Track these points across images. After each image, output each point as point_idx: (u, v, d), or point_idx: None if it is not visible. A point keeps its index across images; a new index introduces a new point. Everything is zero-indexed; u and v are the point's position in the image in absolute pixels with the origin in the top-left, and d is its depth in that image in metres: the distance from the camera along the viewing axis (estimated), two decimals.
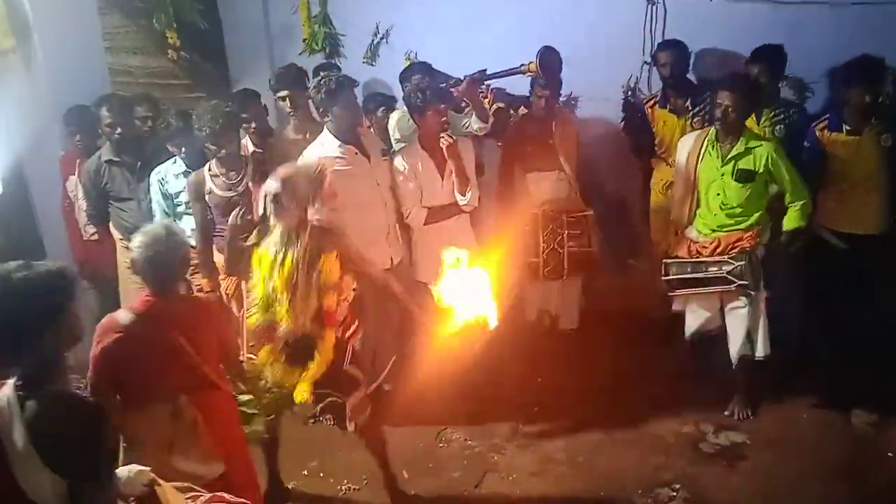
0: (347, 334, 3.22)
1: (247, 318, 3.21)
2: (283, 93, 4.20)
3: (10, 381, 1.91)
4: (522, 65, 3.96)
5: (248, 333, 3.33)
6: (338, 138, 3.73)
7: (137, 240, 2.67)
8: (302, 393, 3.05)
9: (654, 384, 4.20)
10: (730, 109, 3.64)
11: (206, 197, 3.76)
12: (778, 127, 4.03)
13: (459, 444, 3.90)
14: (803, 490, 3.41)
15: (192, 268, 4.03)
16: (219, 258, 3.90)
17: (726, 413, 3.95)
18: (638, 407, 4.05)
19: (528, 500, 3.51)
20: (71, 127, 4.38)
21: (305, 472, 3.76)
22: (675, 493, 3.44)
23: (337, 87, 3.65)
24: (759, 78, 4.00)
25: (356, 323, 3.29)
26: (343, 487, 3.65)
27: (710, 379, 4.06)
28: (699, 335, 3.98)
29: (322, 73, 3.88)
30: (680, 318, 4.02)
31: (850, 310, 3.91)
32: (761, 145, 3.71)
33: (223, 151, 3.66)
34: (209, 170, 3.77)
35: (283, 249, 2.99)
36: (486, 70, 4.02)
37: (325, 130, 3.79)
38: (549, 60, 3.99)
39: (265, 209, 3.02)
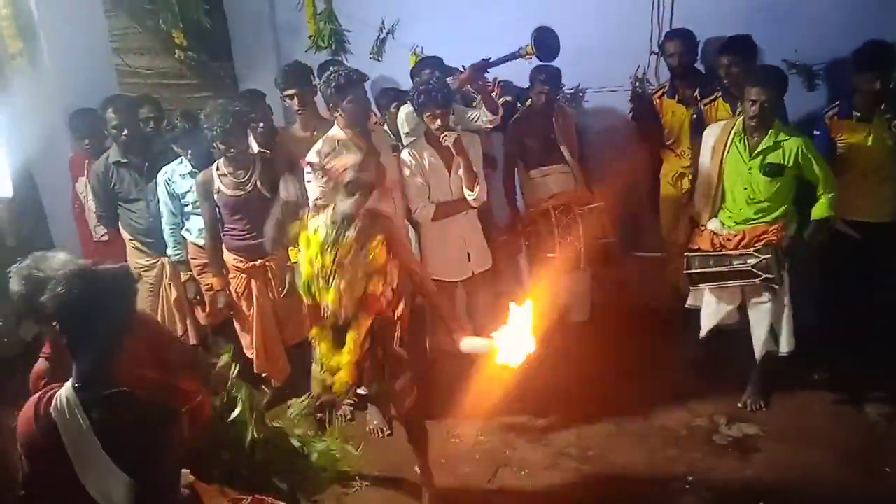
0: (396, 315, 3.24)
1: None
2: (291, 91, 4.18)
3: (68, 383, 1.92)
4: (521, 48, 3.94)
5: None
6: (349, 131, 3.72)
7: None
8: (341, 380, 3.11)
9: (665, 376, 4.18)
10: (764, 104, 3.56)
11: (215, 196, 3.78)
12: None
13: (472, 439, 3.90)
14: (817, 482, 3.39)
15: (199, 267, 4.08)
16: (228, 257, 3.92)
17: (739, 405, 3.93)
18: (650, 399, 4.03)
19: (541, 495, 3.50)
20: (76, 131, 4.40)
21: None
22: (688, 486, 3.43)
23: (347, 81, 3.63)
24: (732, 68, 3.98)
25: (402, 304, 3.29)
26: (356, 485, 3.65)
27: (722, 371, 4.04)
28: (716, 331, 3.91)
29: (332, 68, 3.86)
30: (691, 310, 3.98)
31: (862, 299, 3.86)
32: (790, 139, 3.64)
33: (232, 151, 3.67)
34: (217, 169, 3.78)
35: (335, 232, 3.03)
36: (489, 59, 4.00)
37: (335, 125, 3.79)
38: (544, 39, 3.97)
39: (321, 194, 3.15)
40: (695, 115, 4.23)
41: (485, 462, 3.73)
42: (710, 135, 3.88)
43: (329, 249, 3.02)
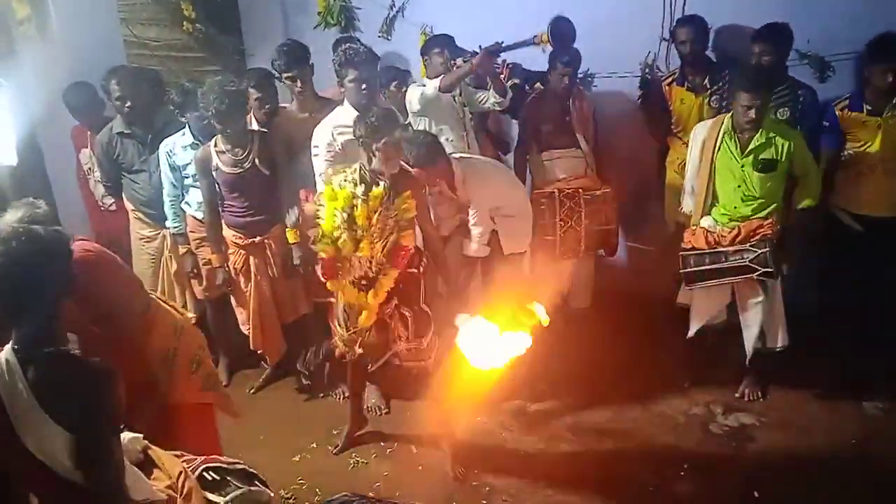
0: (420, 271, 3.39)
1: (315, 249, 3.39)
2: (293, 72, 4.06)
3: (8, 346, 1.93)
4: (535, 36, 3.90)
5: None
6: (356, 109, 3.71)
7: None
8: (368, 317, 3.30)
9: (663, 364, 4.18)
10: (751, 110, 3.54)
11: (214, 173, 3.77)
12: (781, 109, 3.91)
13: (469, 421, 3.90)
14: (813, 472, 3.39)
15: (198, 241, 4.08)
16: (227, 233, 3.91)
17: (736, 395, 3.93)
18: (647, 387, 4.03)
19: (535, 478, 3.50)
20: (71, 107, 4.35)
21: (314, 445, 3.78)
22: (683, 473, 3.44)
23: (359, 58, 3.68)
24: (763, 57, 3.90)
25: (425, 261, 3.44)
26: (351, 461, 3.67)
27: (720, 360, 4.03)
28: (705, 330, 3.91)
29: (345, 44, 3.87)
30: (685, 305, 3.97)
31: (866, 293, 3.84)
32: (782, 135, 3.63)
33: (228, 130, 3.66)
34: (215, 146, 3.76)
35: (367, 186, 3.19)
36: (501, 42, 3.97)
37: (345, 100, 3.81)
38: (561, 30, 3.92)
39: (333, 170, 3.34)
40: (714, 100, 4.18)
41: (481, 443, 3.73)
42: (699, 134, 3.86)
43: (360, 203, 3.17)
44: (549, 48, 4.09)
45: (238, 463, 2.46)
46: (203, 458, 2.40)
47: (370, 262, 3.24)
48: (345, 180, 3.24)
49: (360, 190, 3.19)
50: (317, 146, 3.79)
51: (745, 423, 3.76)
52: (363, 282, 3.30)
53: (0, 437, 1.90)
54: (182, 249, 4.13)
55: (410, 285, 3.37)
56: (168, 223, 4.09)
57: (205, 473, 2.33)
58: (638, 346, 4.33)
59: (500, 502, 3.36)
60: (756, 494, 3.27)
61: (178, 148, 3.97)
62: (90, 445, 1.89)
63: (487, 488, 3.43)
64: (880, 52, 3.65)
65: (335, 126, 3.76)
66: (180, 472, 2.21)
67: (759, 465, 3.48)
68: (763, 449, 3.58)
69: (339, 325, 3.44)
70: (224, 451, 2.85)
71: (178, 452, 2.34)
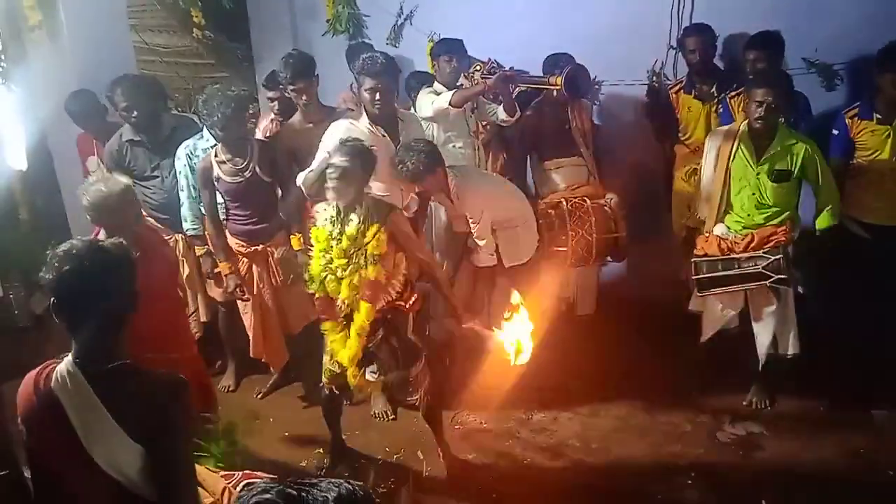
0: (408, 305, 3.29)
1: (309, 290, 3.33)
2: (301, 84, 3.96)
3: (68, 358, 1.90)
4: (550, 77, 3.92)
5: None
6: (369, 118, 3.70)
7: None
8: (352, 377, 3.22)
9: (670, 372, 4.16)
10: (771, 105, 3.52)
11: (216, 184, 3.76)
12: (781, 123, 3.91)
13: (474, 427, 3.90)
14: (821, 481, 3.37)
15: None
16: (231, 241, 3.93)
17: (744, 403, 3.91)
18: (654, 394, 4.02)
19: (542, 486, 3.50)
20: (73, 115, 4.32)
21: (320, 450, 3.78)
22: (690, 482, 3.42)
23: (377, 68, 3.60)
24: (757, 64, 3.92)
25: (415, 295, 3.34)
26: None
27: (728, 368, 4.02)
28: (717, 336, 3.89)
29: (367, 53, 3.80)
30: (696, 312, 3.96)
31: (876, 302, 3.83)
32: (797, 143, 3.62)
33: (230, 136, 3.64)
34: (216, 156, 3.74)
35: (340, 225, 3.14)
36: (513, 68, 4.02)
37: (363, 109, 3.76)
38: (575, 80, 3.92)
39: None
40: (720, 108, 4.19)
41: (486, 450, 3.73)
42: (714, 141, 3.85)
43: (335, 242, 3.12)
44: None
45: (276, 478, 2.45)
46: (242, 472, 2.40)
47: (349, 303, 3.18)
48: (325, 219, 3.20)
49: (336, 230, 3.14)
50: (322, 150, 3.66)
51: (753, 431, 3.74)
52: (346, 323, 3.23)
53: (64, 451, 1.87)
54: (200, 251, 4.07)
55: (397, 318, 3.27)
56: (185, 225, 4.05)
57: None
58: (645, 354, 4.32)
59: None
60: (763, 503, 3.25)
61: (199, 150, 3.95)
62: (164, 458, 1.86)
63: (494, 495, 3.41)
64: (890, 59, 3.65)
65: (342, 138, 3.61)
66: (224, 489, 2.21)
67: (766, 474, 3.46)
68: (771, 457, 3.56)
69: (326, 355, 3.36)
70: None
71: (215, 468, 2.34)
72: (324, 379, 3.40)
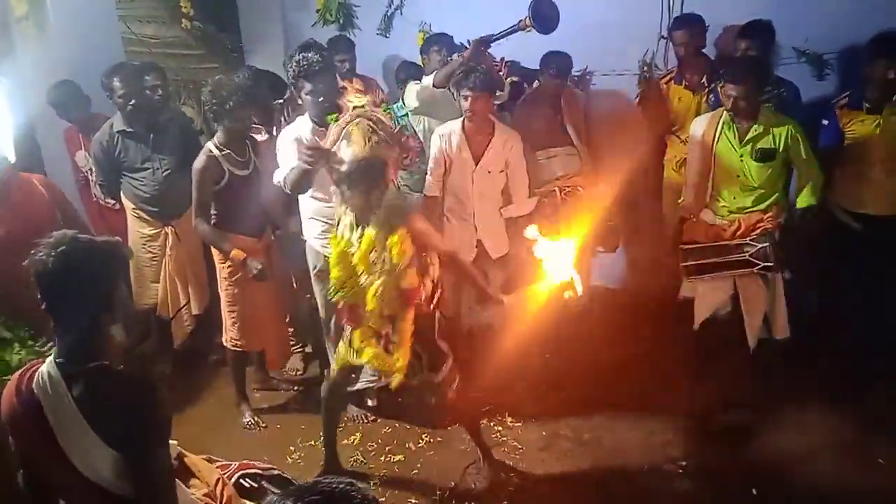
0: (432, 305, 3.19)
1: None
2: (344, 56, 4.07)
3: (49, 359, 1.89)
4: (520, 21, 3.88)
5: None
6: (315, 122, 3.56)
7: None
8: (397, 380, 3.10)
9: (662, 361, 4.18)
10: (739, 100, 3.57)
11: (223, 181, 3.62)
12: (766, 105, 3.88)
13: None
14: (813, 471, 3.39)
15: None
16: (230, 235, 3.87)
17: (736, 391, 3.93)
18: (646, 384, 4.04)
19: (534, 476, 3.52)
20: (56, 106, 4.29)
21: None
22: (681, 471, 3.45)
23: (313, 68, 3.45)
24: (749, 52, 3.93)
25: (440, 292, 3.24)
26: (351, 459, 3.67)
27: (720, 357, 4.04)
28: (710, 321, 3.91)
29: (299, 55, 3.54)
30: (688, 297, 3.97)
31: (866, 292, 3.86)
32: (780, 124, 3.65)
33: (235, 125, 3.59)
34: (220, 151, 3.60)
35: (358, 232, 2.99)
36: (492, 35, 3.96)
37: (306, 114, 3.63)
38: (541, 9, 3.88)
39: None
40: (712, 97, 4.20)
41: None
42: (699, 126, 3.87)
43: (355, 250, 2.99)
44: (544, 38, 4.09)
45: (273, 469, 2.44)
46: (238, 464, 2.38)
47: (381, 312, 3.03)
48: (344, 225, 3.06)
49: (355, 237, 3.00)
50: (279, 155, 3.57)
51: (745, 419, 3.76)
52: (382, 340, 3.10)
53: (47, 453, 1.86)
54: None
55: (424, 322, 3.17)
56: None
57: (241, 481, 2.31)
58: (635, 344, 4.34)
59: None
60: (755, 492, 3.28)
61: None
62: (138, 461, 1.84)
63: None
64: (882, 48, 3.66)
65: (296, 138, 3.52)
66: (217, 480, 2.18)
67: (758, 464, 3.48)
68: (763, 447, 3.58)
69: (343, 343, 3.24)
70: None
71: (208, 456, 2.32)
72: (336, 365, 3.30)
